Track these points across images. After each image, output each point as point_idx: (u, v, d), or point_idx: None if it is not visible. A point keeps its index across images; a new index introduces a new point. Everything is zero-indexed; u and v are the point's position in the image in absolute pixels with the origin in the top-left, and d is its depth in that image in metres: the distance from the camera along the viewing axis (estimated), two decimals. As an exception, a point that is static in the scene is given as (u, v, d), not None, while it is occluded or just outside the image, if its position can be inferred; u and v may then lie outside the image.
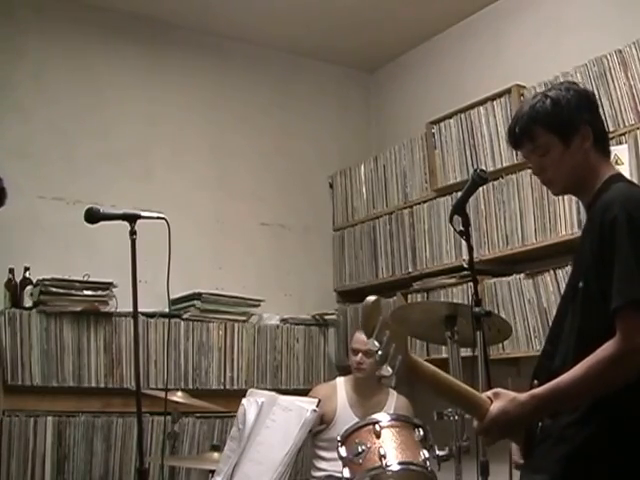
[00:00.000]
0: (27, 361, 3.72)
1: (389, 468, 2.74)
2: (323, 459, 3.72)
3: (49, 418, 3.72)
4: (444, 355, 3.57)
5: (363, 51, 5.10)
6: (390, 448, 2.79)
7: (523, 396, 1.75)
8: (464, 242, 2.65)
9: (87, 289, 3.90)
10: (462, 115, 4.14)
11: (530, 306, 3.62)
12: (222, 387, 4.22)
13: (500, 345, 3.61)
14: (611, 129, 3.28)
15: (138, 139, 4.50)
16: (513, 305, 3.70)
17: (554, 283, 3.50)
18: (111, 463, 3.84)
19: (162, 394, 3.15)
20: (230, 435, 2.98)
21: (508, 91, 3.87)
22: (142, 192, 4.30)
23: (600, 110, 2.03)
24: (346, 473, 2.80)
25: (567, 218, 3.50)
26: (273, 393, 3.02)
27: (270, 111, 5.00)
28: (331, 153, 5.17)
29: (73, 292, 3.86)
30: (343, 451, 2.87)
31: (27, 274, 3.86)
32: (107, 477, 3.82)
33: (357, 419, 3.40)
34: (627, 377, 1.66)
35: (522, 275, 3.69)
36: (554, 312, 2.01)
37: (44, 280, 3.82)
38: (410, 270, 4.35)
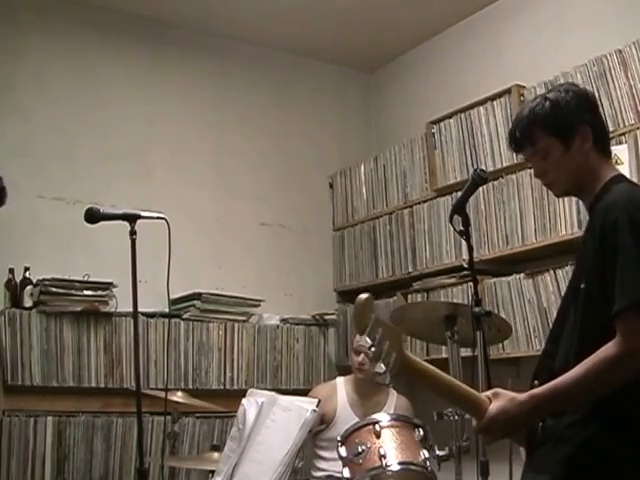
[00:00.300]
0: (27, 361, 3.72)
1: (389, 468, 2.74)
2: (323, 459, 3.72)
3: (49, 418, 3.72)
4: (444, 355, 3.57)
5: (363, 51, 5.10)
6: (390, 448, 2.79)
7: (522, 396, 1.75)
8: (464, 242, 2.65)
9: (87, 289, 3.90)
10: (462, 115, 4.14)
11: (530, 306, 3.62)
12: (222, 387, 4.22)
13: (500, 345, 3.61)
14: (611, 129, 3.27)
15: (138, 139, 4.50)
16: (513, 305, 3.70)
17: (554, 283, 3.50)
18: (111, 463, 3.84)
19: (162, 394, 3.15)
20: (230, 435, 2.97)
21: (508, 91, 3.87)
22: (142, 192, 4.30)
23: (600, 110, 2.03)
24: (346, 473, 2.80)
25: (567, 218, 3.51)
26: (273, 393, 3.01)
27: (270, 111, 5.00)
28: (331, 153, 5.16)
29: (73, 292, 3.86)
30: (343, 451, 2.87)
31: (27, 274, 3.86)
32: (107, 477, 3.82)
33: (357, 419, 3.40)
34: (626, 378, 1.67)
35: (522, 275, 3.69)
36: (554, 312, 2.01)
37: (44, 280, 3.82)
38: (410, 270, 4.35)
